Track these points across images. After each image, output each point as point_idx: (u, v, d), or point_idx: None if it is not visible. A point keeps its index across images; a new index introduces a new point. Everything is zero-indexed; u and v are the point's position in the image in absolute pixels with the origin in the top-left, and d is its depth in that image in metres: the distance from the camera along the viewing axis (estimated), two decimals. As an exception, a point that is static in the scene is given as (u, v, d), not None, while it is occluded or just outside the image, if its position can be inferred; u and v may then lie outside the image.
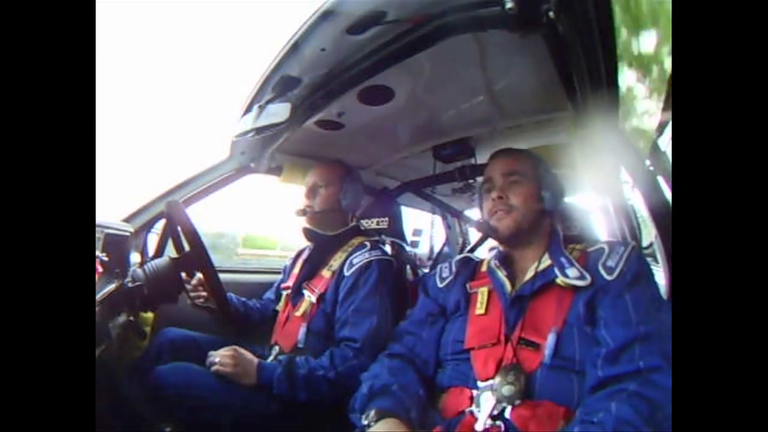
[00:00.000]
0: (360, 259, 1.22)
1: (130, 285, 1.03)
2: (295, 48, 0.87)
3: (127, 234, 1.35)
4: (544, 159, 1.03)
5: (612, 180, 1.29)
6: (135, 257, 1.39)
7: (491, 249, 1.05)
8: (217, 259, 1.16)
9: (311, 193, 1.33)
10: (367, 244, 1.29)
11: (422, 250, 2.24)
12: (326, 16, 0.77)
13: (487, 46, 0.89)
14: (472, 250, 1.98)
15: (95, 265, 0.96)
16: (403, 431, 0.74)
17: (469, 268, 1.04)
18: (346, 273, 1.21)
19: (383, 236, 1.58)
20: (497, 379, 0.78)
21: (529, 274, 0.88)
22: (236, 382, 1.03)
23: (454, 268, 1.05)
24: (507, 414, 0.75)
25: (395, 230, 1.66)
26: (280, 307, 1.37)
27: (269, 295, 1.52)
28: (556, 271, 0.85)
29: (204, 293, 1.24)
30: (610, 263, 0.83)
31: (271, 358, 1.21)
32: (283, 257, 1.67)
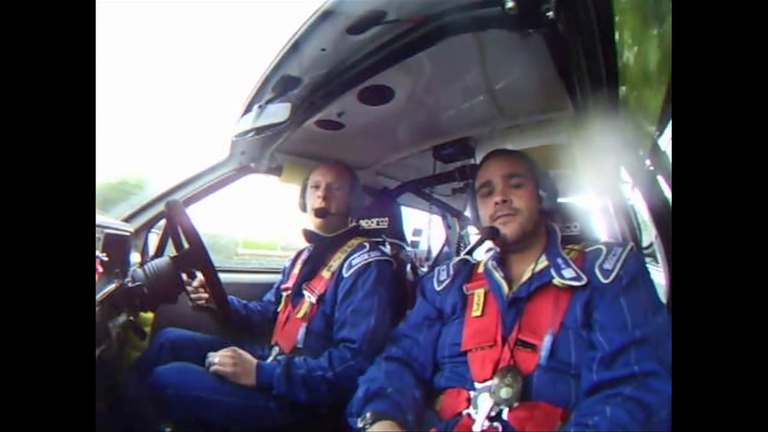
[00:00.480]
0: (359, 260, 1.22)
1: (130, 285, 1.03)
2: (295, 48, 0.87)
3: (127, 234, 1.35)
4: (537, 159, 1.03)
5: (612, 180, 1.29)
6: (135, 257, 1.39)
7: (488, 250, 1.04)
8: (217, 260, 1.16)
9: (329, 193, 1.31)
10: (367, 245, 1.29)
11: (422, 250, 2.24)
12: (326, 16, 0.77)
13: (487, 46, 0.89)
14: (470, 251, 1.98)
15: (95, 265, 0.96)
16: None
17: (466, 270, 1.04)
18: (345, 274, 1.21)
19: (383, 236, 1.58)
20: (495, 382, 0.78)
21: (526, 275, 0.88)
22: (235, 383, 1.03)
23: (451, 271, 1.05)
24: (504, 415, 0.75)
25: (395, 230, 1.66)
26: (280, 308, 1.37)
27: (269, 296, 1.52)
28: (553, 272, 0.85)
29: (205, 295, 1.24)
30: (607, 266, 0.83)
31: (270, 358, 1.21)
32: (283, 257, 1.67)
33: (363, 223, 1.57)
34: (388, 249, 1.48)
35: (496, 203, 0.93)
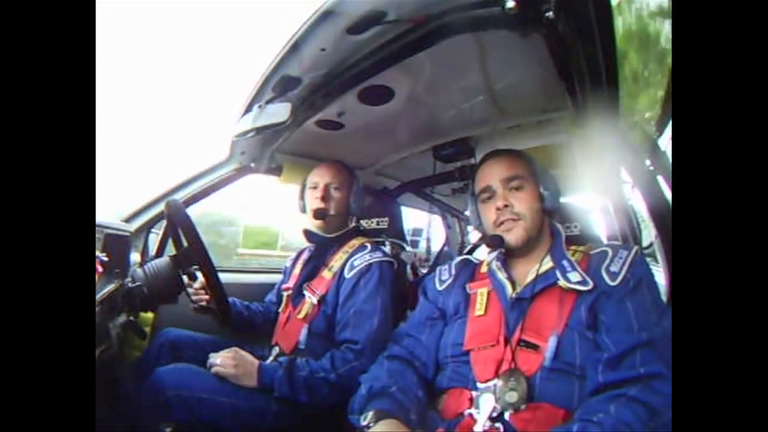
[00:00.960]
0: (361, 260, 1.22)
1: (130, 285, 1.03)
2: (295, 48, 0.86)
3: (127, 234, 1.35)
4: (537, 159, 1.01)
5: (612, 180, 1.29)
6: (135, 257, 1.39)
7: (491, 251, 1.04)
8: (216, 259, 1.16)
9: (327, 194, 1.31)
10: (368, 245, 1.29)
11: (422, 250, 2.24)
12: (326, 16, 0.77)
13: (487, 46, 0.89)
14: (471, 251, 1.98)
15: (95, 265, 0.96)
16: None
17: (469, 270, 1.03)
18: (347, 275, 1.21)
19: (383, 236, 1.58)
20: (499, 384, 0.77)
21: (530, 276, 0.88)
22: (237, 384, 1.03)
23: (453, 271, 1.04)
24: (506, 416, 0.75)
25: (395, 230, 1.66)
26: (281, 308, 1.37)
27: (271, 297, 1.52)
28: (558, 274, 0.85)
29: (206, 296, 1.23)
30: (614, 268, 0.82)
31: (271, 358, 1.21)
32: (283, 257, 1.67)
33: (363, 223, 1.57)
34: (388, 249, 1.48)
35: (498, 209, 0.91)
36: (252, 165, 1.49)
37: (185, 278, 1.17)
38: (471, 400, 0.80)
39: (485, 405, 0.77)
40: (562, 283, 0.83)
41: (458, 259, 1.10)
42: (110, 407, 1.04)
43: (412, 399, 0.84)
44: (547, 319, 0.81)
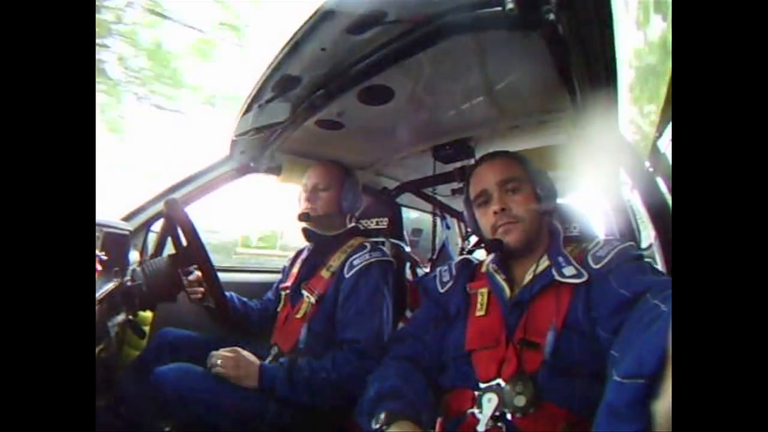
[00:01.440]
0: (360, 260, 1.22)
1: (129, 284, 1.03)
2: (295, 47, 0.86)
3: (126, 233, 1.34)
4: (537, 160, 1.01)
5: (611, 181, 1.29)
6: (134, 256, 1.39)
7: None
8: (216, 259, 1.16)
9: (312, 195, 1.32)
10: (367, 245, 1.29)
11: (421, 251, 2.24)
12: (327, 15, 0.77)
13: (487, 46, 0.89)
14: (471, 251, 1.98)
15: (95, 264, 0.96)
16: None
17: (469, 270, 1.03)
18: (347, 274, 1.21)
19: (382, 236, 1.58)
20: (506, 389, 0.77)
21: (528, 277, 0.88)
22: (237, 384, 1.03)
23: (453, 272, 1.04)
24: (508, 415, 0.75)
25: (394, 230, 1.66)
26: (279, 307, 1.37)
27: (269, 295, 1.52)
28: (554, 271, 0.85)
29: (201, 289, 1.24)
30: (600, 253, 0.83)
31: (269, 358, 1.21)
32: (282, 257, 1.67)
33: (362, 223, 1.57)
34: (387, 249, 1.48)
35: (495, 212, 0.91)
36: (251, 164, 1.49)
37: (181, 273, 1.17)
38: (473, 399, 0.80)
39: (488, 404, 0.77)
40: (557, 277, 0.83)
41: (458, 259, 1.10)
42: (109, 407, 1.04)
43: (422, 399, 0.84)
44: (546, 317, 0.81)
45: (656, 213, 1.10)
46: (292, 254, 1.56)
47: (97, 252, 1.02)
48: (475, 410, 0.79)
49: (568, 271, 0.84)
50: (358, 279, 1.19)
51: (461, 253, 2.01)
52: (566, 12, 0.65)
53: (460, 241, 2.49)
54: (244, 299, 1.44)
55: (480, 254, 1.13)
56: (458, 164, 1.58)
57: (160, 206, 1.40)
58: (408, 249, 1.73)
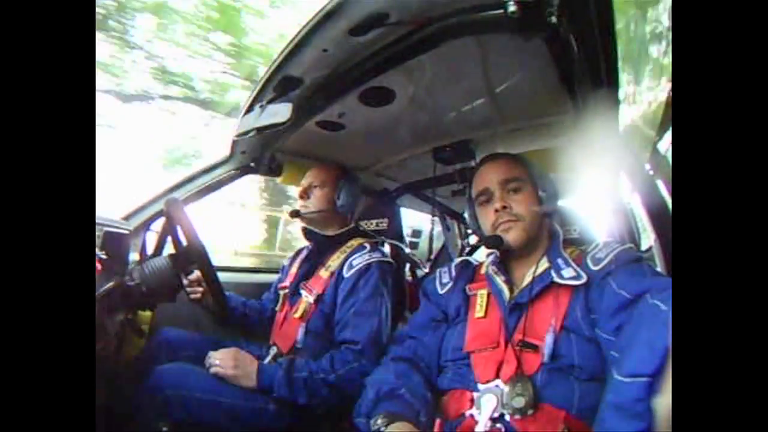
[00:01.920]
0: (360, 260, 1.22)
1: (128, 283, 1.03)
2: (297, 48, 0.86)
3: (126, 232, 1.34)
4: (538, 162, 1.01)
5: (612, 184, 1.29)
6: (134, 255, 1.39)
7: (490, 253, 1.04)
8: (215, 259, 1.16)
9: (305, 193, 1.34)
10: (367, 245, 1.29)
11: (421, 252, 2.23)
12: (329, 17, 0.77)
13: (489, 49, 0.89)
14: (471, 252, 1.98)
15: (95, 263, 0.96)
16: None
17: (469, 271, 1.03)
18: (346, 274, 1.21)
19: (382, 237, 1.57)
20: (506, 391, 0.77)
21: (527, 279, 0.88)
22: (235, 384, 1.03)
23: (453, 273, 1.04)
24: (507, 417, 0.75)
25: (394, 232, 1.66)
26: (278, 307, 1.37)
27: (268, 295, 1.52)
28: (553, 273, 0.85)
29: (200, 289, 1.24)
30: (599, 255, 0.83)
31: (268, 358, 1.21)
32: (282, 257, 1.67)
33: (362, 224, 1.57)
34: (387, 250, 1.48)
35: (496, 210, 0.91)
36: (252, 165, 1.49)
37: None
38: (472, 401, 0.80)
39: (486, 406, 0.77)
40: (556, 279, 0.83)
41: (458, 260, 1.10)
42: (108, 406, 1.04)
43: (420, 400, 0.83)
44: (545, 319, 0.81)
45: (656, 215, 1.10)
46: (291, 254, 1.56)
47: (97, 251, 1.02)
48: (474, 411, 0.79)
49: (567, 272, 0.84)
50: (358, 279, 1.19)
51: (461, 255, 2.02)
52: (568, 15, 0.66)
53: (459, 242, 2.49)
54: (243, 299, 1.44)
55: (480, 255, 1.13)
56: (459, 166, 1.58)
57: (160, 206, 1.40)
58: (408, 250, 1.73)
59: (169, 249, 1.18)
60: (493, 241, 0.92)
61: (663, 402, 0.49)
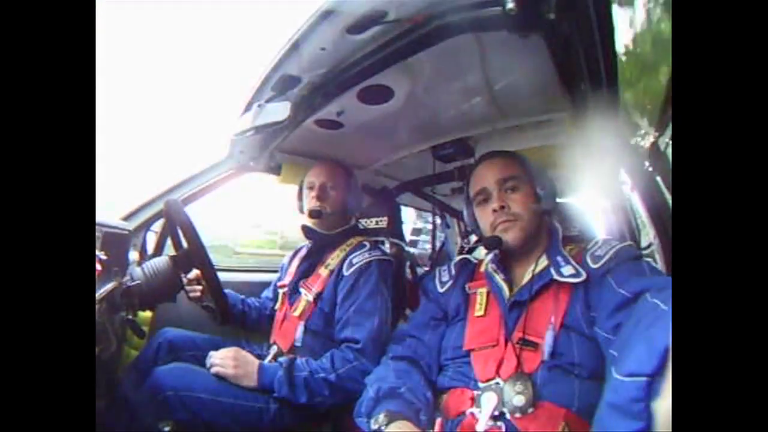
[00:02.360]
0: (360, 258, 1.22)
1: (128, 284, 1.03)
2: (295, 47, 0.86)
3: (126, 232, 1.34)
4: (537, 160, 1.01)
5: (611, 181, 1.29)
6: (134, 256, 1.39)
7: (489, 252, 1.04)
8: (215, 258, 1.16)
9: (323, 193, 1.32)
10: (367, 243, 1.29)
11: (421, 250, 2.24)
12: (326, 15, 0.77)
13: (487, 46, 0.89)
14: (470, 251, 1.98)
15: (95, 263, 0.96)
16: None
17: (468, 270, 1.03)
18: (346, 273, 1.21)
19: (382, 236, 1.58)
20: (506, 389, 0.77)
21: (527, 277, 0.88)
22: (236, 384, 1.03)
23: (453, 272, 1.04)
24: (507, 415, 0.75)
25: (394, 230, 1.66)
26: (277, 305, 1.37)
27: (267, 293, 1.52)
28: (552, 271, 0.85)
29: (199, 287, 1.24)
30: (599, 253, 0.83)
31: (269, 357, 1.21)
32: (282, 256, 1.67)
33: (362, 222, 1.57)
34: (387, 248, 1.48)
35: (494, 210, 0.91)
36: (251, 164, 1.48)
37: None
38: (473, 399, 0.80)
39: (487, 404, 0.77)
40: (556, 277, 0.83)
41: (457, 259, 1.10)
42: (109, 406, 1.04)
43: (421, 399, 0.84)
44: (544, 317, 0.81)
45: (656, 212, 1.10)
46: (291, 252, 1.56)
47: (97, 252, 1.02)
48: (475, 410, 0.79)
49: (567, 270, 0.84)
50: (358, 277, 1.19)
51: (461, 253, 2.02)
52: (566, 12, 0.65)
53: (459, 240, 2.49)
54: (242, 297, 1.44)
55: (479, 253, 1.13)
56: (458, 163, 1.58)
57: (160, 206, 1.40)
58: (408, 248, 1.74)
59: (169, 249, 1.18)
60: (492, 242, 0.92)
61: (662, 402, 0.49)
